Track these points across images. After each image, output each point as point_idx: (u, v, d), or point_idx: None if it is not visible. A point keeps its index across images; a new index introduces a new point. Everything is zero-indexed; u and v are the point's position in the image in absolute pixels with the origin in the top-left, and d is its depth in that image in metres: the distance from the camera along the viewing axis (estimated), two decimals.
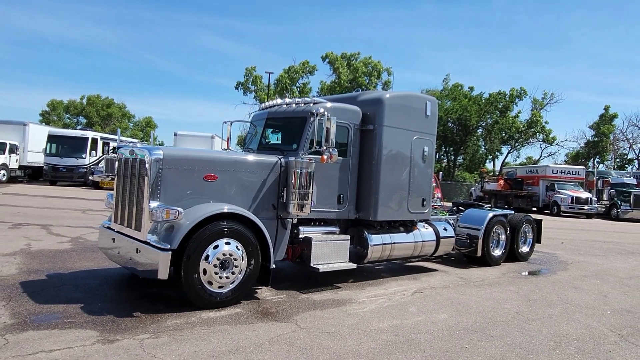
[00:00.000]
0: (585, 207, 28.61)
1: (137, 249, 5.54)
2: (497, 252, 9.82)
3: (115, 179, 6.34)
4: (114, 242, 6.15)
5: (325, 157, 6.31)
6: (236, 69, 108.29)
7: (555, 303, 6.88)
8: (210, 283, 5.48)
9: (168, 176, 5.60)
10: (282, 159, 6.52)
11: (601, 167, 50.84)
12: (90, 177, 27.52)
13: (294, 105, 7.25)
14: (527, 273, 9.20)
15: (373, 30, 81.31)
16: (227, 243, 5.57)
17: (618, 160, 57.37)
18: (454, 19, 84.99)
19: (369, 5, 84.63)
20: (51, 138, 28.16)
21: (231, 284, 5.64)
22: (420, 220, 8.43)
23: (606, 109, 54.48)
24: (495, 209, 10.48)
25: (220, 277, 5.53)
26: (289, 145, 7.01)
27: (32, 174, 29.11)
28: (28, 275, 6.49)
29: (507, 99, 47.61)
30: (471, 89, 49.45)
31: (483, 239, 9.34)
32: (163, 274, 5.14)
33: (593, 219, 28.33)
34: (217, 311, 5.41)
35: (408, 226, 8.17)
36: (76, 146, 27.85)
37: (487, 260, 9.54)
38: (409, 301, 6.48)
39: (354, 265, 7.05)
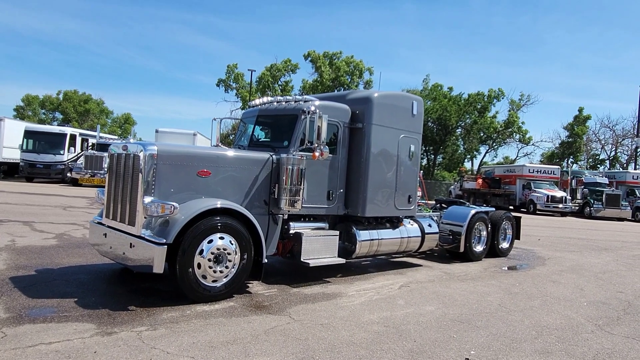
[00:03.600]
0: (560, 205, 29.46)
1: (130, 244, 5.58)
2: (479, 248, 10.13)
3: (107, 174, 6.36)
4: (105, 237, 6.16)
5: (316, 154, 6.45)
6: (216, 67, 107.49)
7: (535, 296, 7.18)
8: (204, 277, 5.56)
9: (162, 172, 5.65)
10: (273, 156, 6.64)
11: (574, 167, 52.31)
12: (68, 174, 27.01)
13: (284, 103, 7.37)
14: (507, 268, 9.52)
15: (353, 30, 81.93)
16: (221, 238, 5.66)
17: (590, 160, 59.15)
18: (432, 20, 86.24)
19: (349, 5, 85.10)
20: (28, 134, 27.51)
21: (225, 278, 5.73)
22: (406, 217, 8.65)
23: (580, 110, 56.01)
24: (477, 206, 10.79)
25: (215, 271, 5.62)
26: (280, 143, 7.12)
27: (7, 171, 28.45)
28: (17, 270, 6.44)
29: (486, 99, 48.56)
30: (450, 89, 50.27)
31: (465, 235, 9.62)
32: (159, 268, 5.20)
33: (567, 217, 29.22)
34: (211, 305, 5.50)
35: (394, 222, 8.37)
36: (54, 142, 27.31)
37: (469, 256, 9.83)
38: (396, 294, 6.67)
39: (343, 260, 7.21)
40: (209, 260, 5.56)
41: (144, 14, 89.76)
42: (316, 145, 6.47)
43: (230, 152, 6.50)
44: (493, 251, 10.53)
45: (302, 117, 6.83)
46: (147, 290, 5.93)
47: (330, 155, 7.13)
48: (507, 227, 11.06)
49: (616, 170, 43.31)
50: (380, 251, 8.03)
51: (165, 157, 5.70)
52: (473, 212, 9.89)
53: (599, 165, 56.90)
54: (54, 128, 29.67)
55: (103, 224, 6.29)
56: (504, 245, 10.95)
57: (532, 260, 10.69)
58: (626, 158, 58.21)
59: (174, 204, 5.33)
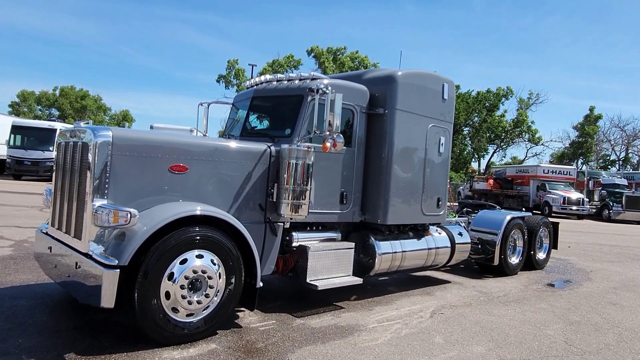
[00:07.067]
0: (575, 207, 27.86)
1: (76, 264, 4.10)
2: (514, 260, 8.61)
3: (54, 170, 4.89)
4: (50, 252, 4.69)
5: (328, 144, 4.93)
6: (216, 66, 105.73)
7: (603, 327, 5.66)
8: (175, 310, 4.07)
9: (120, 166, 4.16)
10: (272, 147, 5.15)
11: (584, 167, 50.63)
12: None
13: (287, 81, 5.86)
14: (550, 284, 8.00)
15: (354, 30, 79.54)
16: (199, 256, 4.17)
17: (601, 161, 57.48)
18: (434, 21, 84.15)
19: (350, 4, 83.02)
20: (15, 129, 26.01)
21: (204, 310, 4.24)
22: (432, 224, 7.14)
23: (591, 109, 54.37)
24: (511, 211, 9.29)
25: (190, 302, 4.12)
26: (280, 131, 5.63)
27: None
28: None
29: (494, 97, 46.94)
30: (458, 87, 48.64)
31: (501, 245, 8.11)
32: (107, 300, 3.71)
33: (585, 220, 27.63)
34: (185, 348, 4.01)
35: (419, 231, 6.87)
36: (43, 138, 25.75)
37: (503, 270, 8.32)
38: (430, 327, 5.17)
39: (359, 280, 5.71)
40: (182, 287, 4.07)
41: (144, 12, 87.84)
42: (327, 133, 4.96)
43: (214, 142, 5.00)
44: (528, 263, 9.02)
45: (309, 98, 5.34)
46: (99, 325, 4.43)
47: (344, 147, 5.63)
48: (544, 234, 9.53)
49: (635, 172, 41.68)
50: (403, 266, 6.51)
51: (124, 146, 4.20)
52: (509, 217, 8.36)
53: (609, 166, 55.22)
54: (43, 123, 28.14)
55: (51, 235, 4.83)
56: (541, 255, 9.43)
57: (574, 274, 9.17)
58: (637, 159, 56.59)
59: (130, 210, 3.83)
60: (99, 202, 4.00)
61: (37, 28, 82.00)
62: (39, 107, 58.35)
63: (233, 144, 5.05)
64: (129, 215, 3.80)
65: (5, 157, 25.60)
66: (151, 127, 20.16)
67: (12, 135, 25.76)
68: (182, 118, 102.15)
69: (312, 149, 5.06)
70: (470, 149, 51.48)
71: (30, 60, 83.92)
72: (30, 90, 57.83)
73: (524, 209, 29.86)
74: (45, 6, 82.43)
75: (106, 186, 4.09)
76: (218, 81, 47.54)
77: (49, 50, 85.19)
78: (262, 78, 6.19)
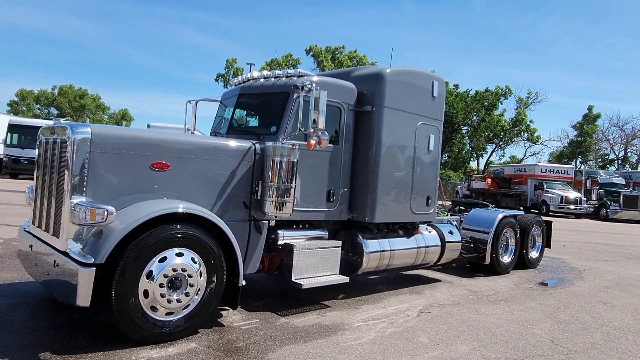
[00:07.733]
0: (572, 206, 27.80)
1: (54, 262, 4.06)
2: (506, 259, 8.57)
3: (35, 167, 4.86)
4: (31, 250, 4.65)
5: (313, 141, 4.89)
6: (216, 65, 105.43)
7: (591, 326, 5.62)
8: (154, 309, 4.02)
9: (99, 163, 4.12)
10: (257, 145, 5.10)
11: (583, 166, 50.57)
12: None
13: (273, 79, 5.82)
14: (541, 283, 7.96)
15: (354, 29, 79.35)
16: (179, 254, 4.13)
17: (600, 160, 57.43)
18: (434, 21, 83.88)
19: (350, 4, 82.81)
20: (12, 128, 25.97)
21: (184, 309, 4.20)
22: (422, 222, 7.10)
23: (590, 108, 54.31)
24: (503, 209, 9.24)
25: (169, 301, 4.08)
26: (266, 128, 5.59)
27: None
28: None
29: (493, 96, 46.87)
30: (456, 86, 48.59)
31: (492, 244, 8.07)
32: (83, 298, 3.67)
33: (582, 219, 27.59)
34: (164, 347, 3.97)
35: (409, 229, 6.83)
36: None
37: (495, 268, 8.28)
38: (415, 325, 5.13)
39: (346, 279, 5.67)
40: (161, 285, 4.02)
41: (144, 12, 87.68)
42: (312, 130, 4.91)
43: (198, 140, 4.96)
44: (521, 262, 8.97)
45: (295, 95, 5.29)
46: (79, 323, 4.39)
47: (331, 145, 5.61)
48: (537, 233, 9.49)
49: (634, 171, 41.62)
50: (392, 265, 6.47)
51: (103, 144, 4.15)
52: (500, 216, 8.31)
53: (608, 166, 55.17)
54: (39, 122, 28.07)
55: (32, 233, 4.79)
56: (534, 254, 9.39)
57: (566, 273, 9.12)
58: (636, 158, 56.54)
59: (107, 207, 3.79)
60: (77, 200, 3.96)
61: (37, 28, 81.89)
62: (38, 106, 58.28)
63: (216, 142, 5.01)
64: (105, 212, 3.75)
65: (2, 156, 25.56)
66: (148, 126, 20.21)
67: (9, 134, 25.71)
68: (182, 117, 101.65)
69: (297, 147, 5.01)
70: (468, 148, 51.44)
71: (30, 59, 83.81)
72: (29, 89, 57.80)
73: (521, 208, 29.80)
74: (45, 6, 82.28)
75: (85, 184, 4.05)
76: (217, 80, 47.48)
77: (48, 49, 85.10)
78: (249, 75, 6.14)
